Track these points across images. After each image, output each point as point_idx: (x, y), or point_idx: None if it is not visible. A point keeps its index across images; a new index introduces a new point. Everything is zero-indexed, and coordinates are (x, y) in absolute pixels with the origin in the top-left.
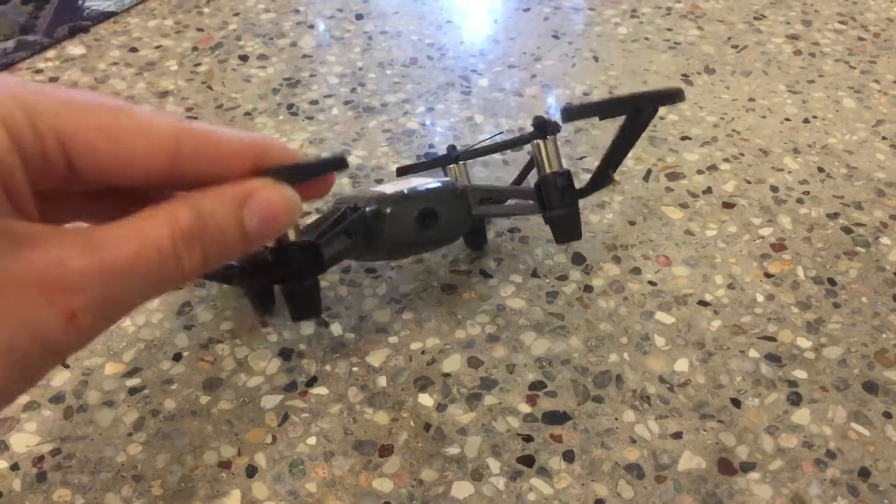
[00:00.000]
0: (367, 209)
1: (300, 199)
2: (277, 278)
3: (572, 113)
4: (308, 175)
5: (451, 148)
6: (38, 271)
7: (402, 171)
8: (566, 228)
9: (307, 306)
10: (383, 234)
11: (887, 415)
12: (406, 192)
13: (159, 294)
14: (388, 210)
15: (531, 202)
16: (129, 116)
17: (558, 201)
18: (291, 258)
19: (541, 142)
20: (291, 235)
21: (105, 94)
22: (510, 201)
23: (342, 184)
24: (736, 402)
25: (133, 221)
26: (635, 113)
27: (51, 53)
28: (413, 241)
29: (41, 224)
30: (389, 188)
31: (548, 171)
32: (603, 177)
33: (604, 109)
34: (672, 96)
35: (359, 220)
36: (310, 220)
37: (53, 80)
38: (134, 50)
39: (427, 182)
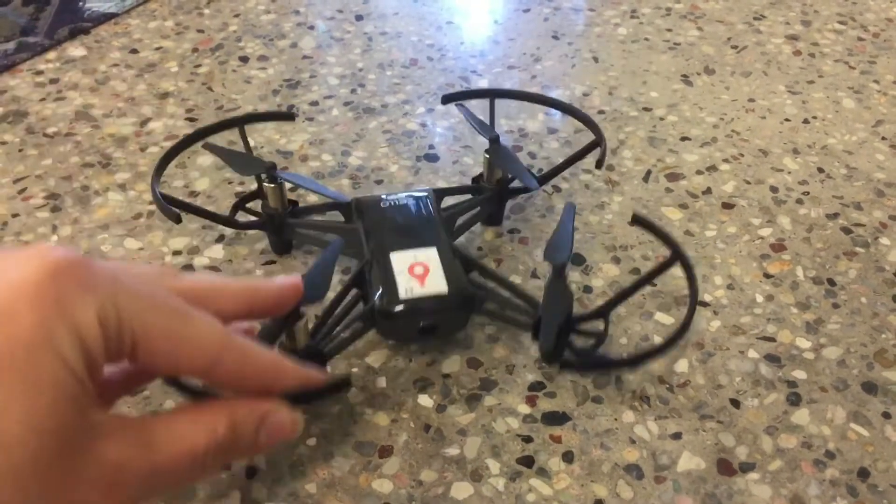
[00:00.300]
0: (377, 302)
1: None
2: None
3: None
4: (316, 393)
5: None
6: (103, 473)
7: (448, 99)
8: (551, 358)
9: (307, 396)
10: (389, 327)
11: (886, 415)
12: (414, 294)
13: (180, 486)
14: (397, 311)
15: (529, 321)
16: (191, 326)
17: (552, 343)
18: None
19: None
20: (302, 336)
21: (174, 298)
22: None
23: (342, 185)
24: (735, 403)
25: (181, 424)
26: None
27: (51, 55)
28: (412, 338)
29: (107, 413)
30: (402, 265)
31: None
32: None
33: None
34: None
35: (369, 313)
36: (306, 203)
37: (54, 81)
38: (134, 51)
39: (440, 278)
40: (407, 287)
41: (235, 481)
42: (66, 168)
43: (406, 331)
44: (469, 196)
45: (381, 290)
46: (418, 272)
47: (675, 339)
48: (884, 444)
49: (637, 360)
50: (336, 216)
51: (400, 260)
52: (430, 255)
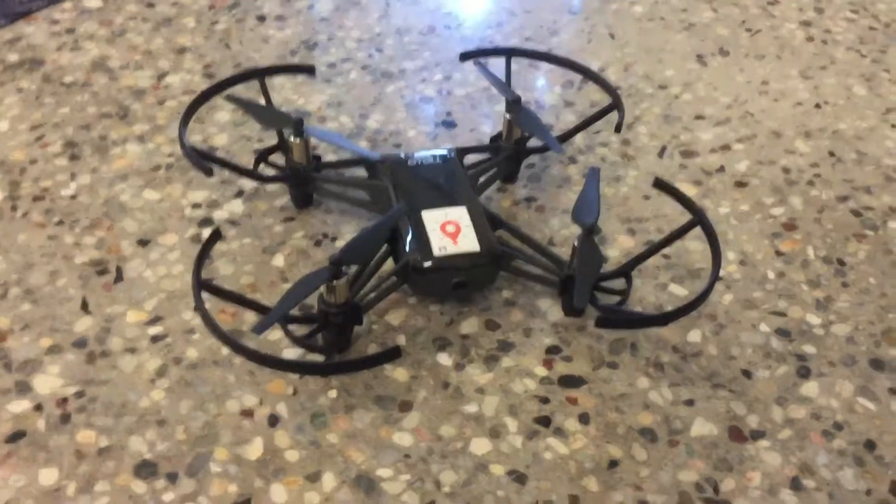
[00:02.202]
0: (411, 258)
1: None
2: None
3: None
4: (367, 362)
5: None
6: None
7: (466, 56)
8: (577, 313)
9: (340, 343)
10: (422, 283)
11: (893, 391)
12: (448, 252)
13: None
14: (431, 267)
15: (555, 279)
16: None
17: (584, 298)
18: (334, 321)
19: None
20: (343, 292)
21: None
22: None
23: (362, 146)
24: (747, 373)
25: None
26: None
27: (67, 4)
28: (444, 295)
29: None
30: (434, 223)
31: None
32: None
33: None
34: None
35: (403, 269)
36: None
37: (70, 31)
38: (150, 5)
39: (472, 236)
40: (440, 245)
41: (258, 429)
42: (83, 117)
43: (439, 286)
44: (488, 155)
45: (414, 247)
46: (450, 230)
47: (705, 294)
48: (890, 419)
49: (669, 316)
50: (359, 173)
51: (431, 218)
52: (460, 214)
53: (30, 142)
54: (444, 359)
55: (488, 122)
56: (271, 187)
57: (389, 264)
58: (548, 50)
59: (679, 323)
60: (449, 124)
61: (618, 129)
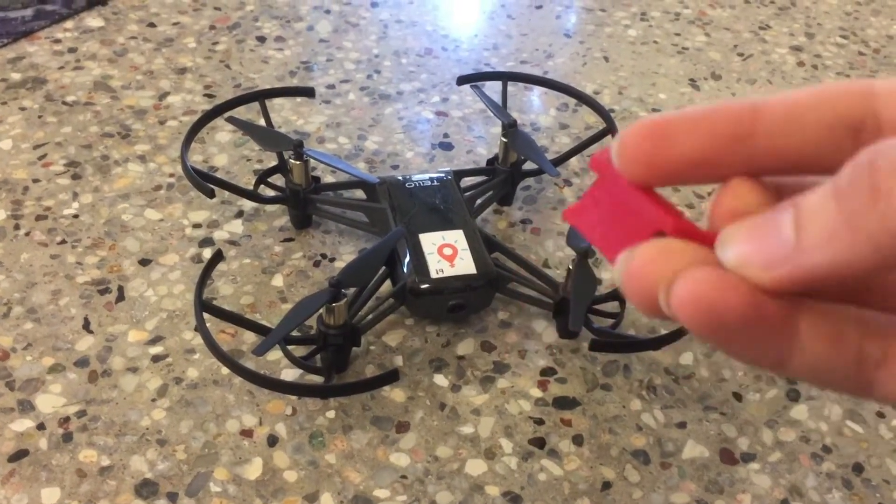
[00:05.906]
0: (409, 280)
1: None
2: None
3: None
4: (364, 385)
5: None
6: None
7: (463, 80)
8: (571, 335)
9: (338, 364)
10: (419, 305)
11: (880, 415)
12: (445, 274)
13: None
14: (429, 289)
15: (550, 302)
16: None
17: (579, 321)
18: (334, 342)
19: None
20: (342, 314)
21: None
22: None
23: (358, 168)
24: (737, 396)
25: None
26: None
27: (69, 24)
28: (441, 317)
29: None
30: (431, 246)
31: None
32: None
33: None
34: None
35: (401, 290)
36: (328, 180)
37: (72, 50)
38: (152, 25)
39: (468, 259)
40: (437, 267)
41: (257, 448)
42: (85, 137)
43: (436, 308)
44: (484, 177)
45: (412, 270)
46: (447, 253)
47: None
48: (877, 442)
49: (662, 340)
50: (357, 194)
51: (429, 241)
52: (457, 237)
53: (32, 161)
54: (441, 380)
55: (484, 143)
56: (271, 208)
57: (387, 286)
58: (543, 73)
59: (671, 345)
60: (446, 146)
61: None
